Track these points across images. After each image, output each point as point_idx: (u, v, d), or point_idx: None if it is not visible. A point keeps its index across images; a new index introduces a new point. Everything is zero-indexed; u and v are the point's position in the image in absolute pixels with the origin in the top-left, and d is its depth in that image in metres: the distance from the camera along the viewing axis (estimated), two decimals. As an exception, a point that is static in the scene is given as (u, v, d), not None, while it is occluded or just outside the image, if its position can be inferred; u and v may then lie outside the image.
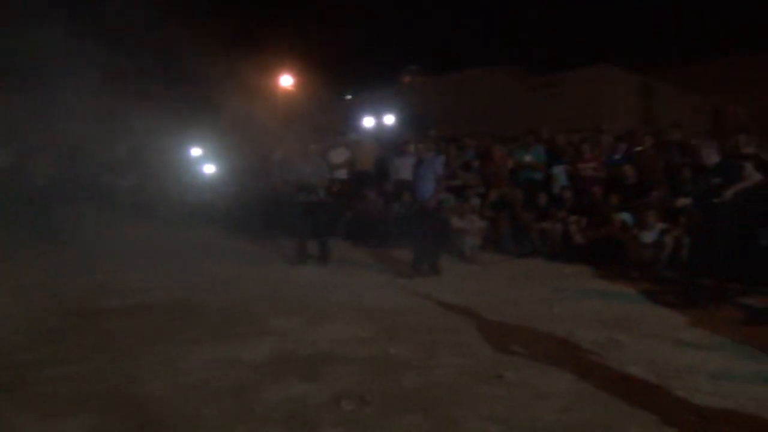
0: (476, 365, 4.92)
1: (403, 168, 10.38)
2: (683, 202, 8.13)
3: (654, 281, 7.88)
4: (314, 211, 9.39)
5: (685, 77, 25.94)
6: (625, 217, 8.88)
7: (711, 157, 7.04)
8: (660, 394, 4.38)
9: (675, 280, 7.71)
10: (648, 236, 8.36)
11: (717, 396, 4.32)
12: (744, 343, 5.42)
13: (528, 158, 10.77)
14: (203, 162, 16.54)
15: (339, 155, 12.26)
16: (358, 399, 4.24)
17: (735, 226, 6.77)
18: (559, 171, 10.43)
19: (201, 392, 4.42)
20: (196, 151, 17.75)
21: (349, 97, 30.25)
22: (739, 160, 7.27)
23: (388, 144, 13.01)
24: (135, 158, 16.58)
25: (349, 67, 27.28)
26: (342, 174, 12.12)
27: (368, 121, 23.35)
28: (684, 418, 3.97)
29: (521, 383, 4.51)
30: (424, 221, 8.64)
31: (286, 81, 26.62)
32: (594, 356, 5.17)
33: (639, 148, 10.15)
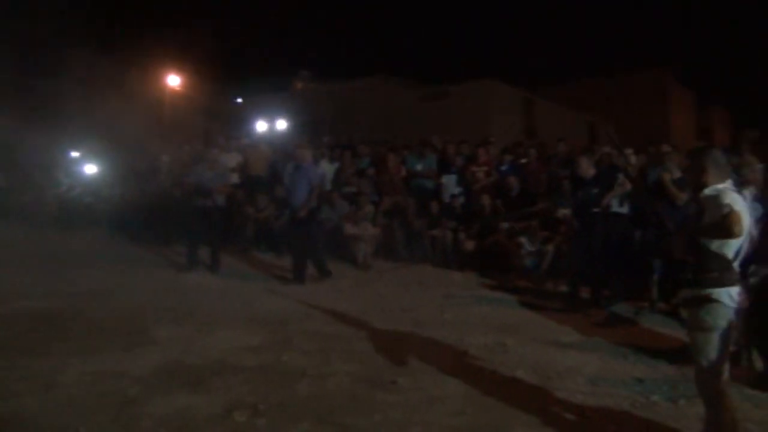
0: (370, 371, 4.94)
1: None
2: (563, 212, 8.61)
3: (537, 288, 8.26)
4: (209, 217, 9.08)
5: (564, 94, 27.57)
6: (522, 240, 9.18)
7: (589, 169, 7.50)
8: (543, 395, 4.59)
9: (556, 287, 8.12)
10: (531, 245, 8.77)
11: (595, 396, 4.58)
12: (619, 345, 5.79)
13: (420, 167, 11.00)
14: (84, 162, 15.53)
15: (231, 159, 11.95)
16: (250, 409, 4.13)
17: (610, 234, 7.24)
18: (450, 180, 10.72)
19: (80, 407, 4.13)
20: (77, 151, 16.69)
21: (240, 100, 29.63)
22: (613, 170, 7.78)
23: (281, 149, 12.85)
24: (2, 158, 15.31)
25: (240, 71, 26.73)
26: (234, 178, 11.82)
27: (261, 126, 22.98)
28: (565, 417, 4.18)
29: (415, 388, 4.58)
30: (297, 229, 8.57)
31: (174, 81, 25.73)
32: (483, 360, 5.33)
33: (524, 161, 10.63)
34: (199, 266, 9.15)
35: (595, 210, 7.12)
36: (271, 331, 6.07)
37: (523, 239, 8.92)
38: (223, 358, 5.20)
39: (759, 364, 4.76)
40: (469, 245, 9.51)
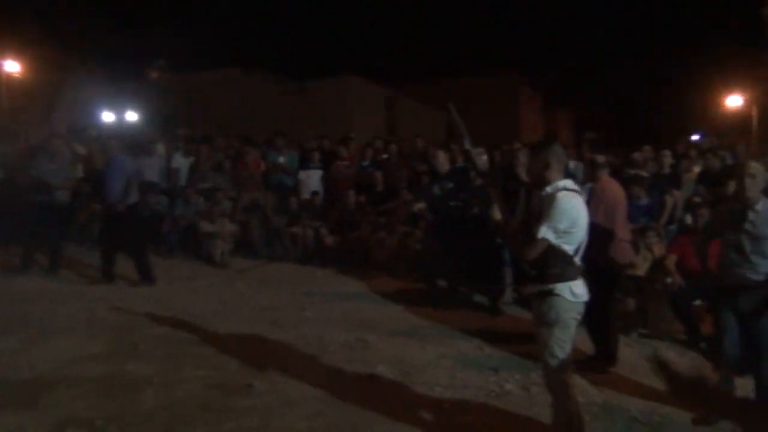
0: (224, 376, 4.67)
1: (148, 168, 9.63)
2: (419, 206, 8.72)
3: (398, 282, 8.29)
4: (48, 214, 8.22)
5: (424, 93, 28.30)
6: (383, 235, 9.21)
7: (445, 164, 7.61)
8: (404, 390, 4.56)
9: (417, 281, 8.17)
10: (391, 239, 8.81)
11: (453, 388, 4.63)
12: (475, 335, 5.90)
13: (281, 162, 10.72)
14: None
15: (74, 151, 10.97)
16: (86, 426, 3.73)
17: (464, 230, 7.35)
18: (310, 175, 10.54)
19: None
20: None
21: (86, 89, 27.50)
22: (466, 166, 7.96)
23: (131, 142, 12.01)
24: None
25: (87, 58, 24.78)
26: (78, 172, 10.86)
27: (108, 117, 21.46)
28: (424, 413, 4.16)
29: (271, 391, 4.37)
30: (113, 225, 8.02)
31: (12, 67, 23.43)
32: (343, 358, 5.22)
33: (385, 156, 10.69)
34: (35, 268, 8.30)
35: (452, 204, 7.21)
36: (114, 337, 5.58)
37: (384, 234, 8.94)
38: (57, 371, 4.70)
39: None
40: (331, 241, 9.40)
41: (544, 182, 3.39)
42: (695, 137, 15.36)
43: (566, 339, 3.33)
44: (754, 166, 4.05)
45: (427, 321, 6.49)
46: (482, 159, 8.18)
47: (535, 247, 3.25)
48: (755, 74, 16.92)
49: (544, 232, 3.23)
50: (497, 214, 3.48)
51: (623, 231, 5.30)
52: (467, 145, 3.68)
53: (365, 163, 10.63)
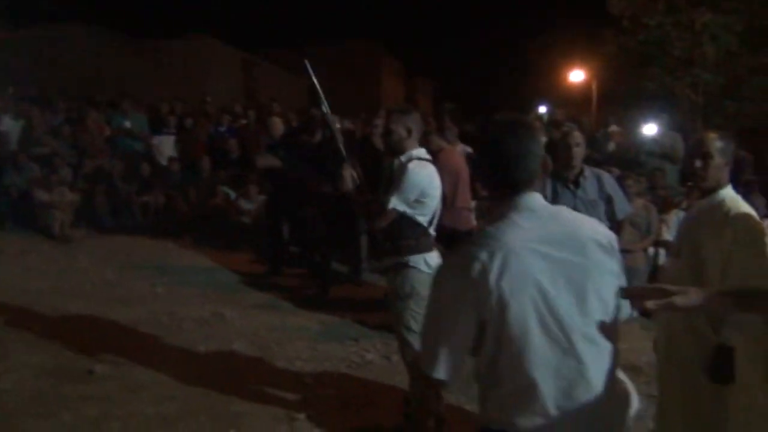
0: (61, 362, 4.23)
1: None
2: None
3: (255, 253, 7.99)
4: None
5: (283, 59, 27.60)
6: (228, 191, 8.84)
7: (279, 131, 7.37)
8: (263, 366, 4.39)
9: (270, 251, 7.88)
10: (248, 202, 8.50)
11: (315, 361, 4.52)
12: (333, 306, 5.81)
13: (127, 126, 9.94)
14: None
15: None
16: None
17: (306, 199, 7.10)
18: (163, 141, 9.89)
19: None
20: None
21: None
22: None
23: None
24: None
25: None
26: None
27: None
28: (285, 388, 4.02)
29: (115, 377, 4.03)
30: None
31: None
32: (198, 335, 4.94)
33: (243, 122, 10.26)
34: None
35: (290, 173, 6.94)
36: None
37: (241, 201, 8.59)
38: None
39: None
40: (185, 210, 8.89)
41: (400, 150, 3.30)
42: (542, 109, 16.23)
43: (422, 311, 3.28)
44: (578, 135, 4.22)
45: (286, 293, 6.32)
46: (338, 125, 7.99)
47: (385, 217, 3.18)
48: (596, 51, 18.08)
49: (395, 203, 3.16)
50: (348, 184, 3.35)
51: (465, 199, 5.42)
52: (325, 109, 3.49)
53: (222, 129, 10.14)
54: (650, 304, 1.42)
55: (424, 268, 3.19)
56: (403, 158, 3.28)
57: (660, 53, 13.46)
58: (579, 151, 4.14)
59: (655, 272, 6.24)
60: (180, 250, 8.03)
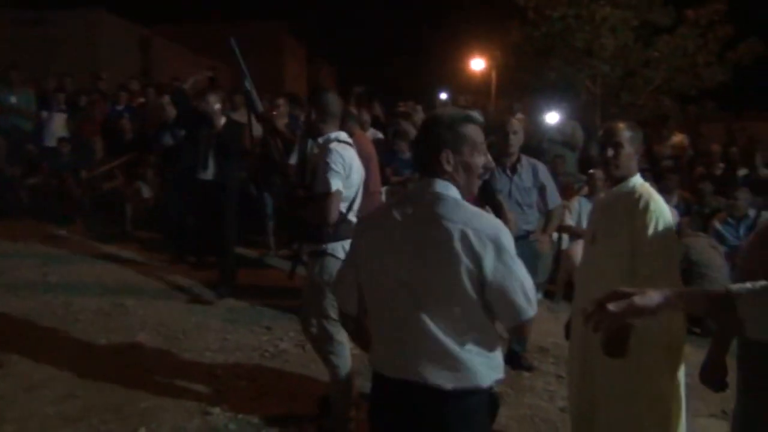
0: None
1: None
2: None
3: (155, 239, 7.61)
4: None
5: (181, 36, 26.46)
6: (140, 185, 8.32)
7: (172, 111, 7.07)
8: (171, 359, 4.20)
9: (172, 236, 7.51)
10: (147, 191, 8.10)
11: (225, 352, 4.37)
12: (243, 293, 5.62)
13: (13, 102, 9.17)
14: None
15: None
16: None
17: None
18: (53, 119, 9.19)
19: None
20: None
21: None
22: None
23: None
24: None
25: None
26: None
27: None
28: (195, 381, 3.85)
29: (8, 375, 3.71)
30: None
31: None
32: (98, 327, 4.66)
33: (141, 100, 9.74)
34: None
35: (188, 155, 6.64)
36: None
37: (140, 184, 8.16)
38: None
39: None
40: (79, 194, 8.34)
41: (318, 133, 3.22)
42: (443, 96, 16.49)
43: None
44: (516, 123, 4.32)
45: (191, 280, 6.07)
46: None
47: (333, 202, 3.04)
48: (499, 41, 18.53)
49: (336, 184, 3.05)
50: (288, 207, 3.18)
51: (376, 184, 5.42)
52: (248, 86, 3.32)
53: (119, 107, 9.57)
54: (612, 306, 1.41)
55: (342, 255, 3.07)
56: (321, 140, 3.19)
57: (562, 44, 14.00)
58: (516, 139, 4.25)
59: (558, 257, 6.48)
60: (73, 237, 7.52)
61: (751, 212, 6.54)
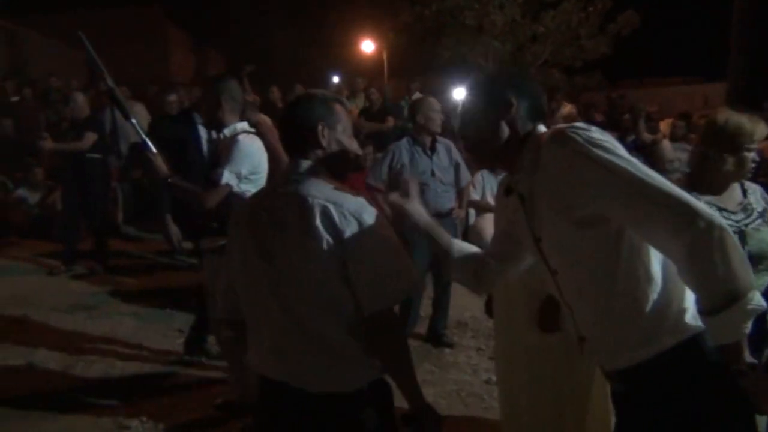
0: None
1: None
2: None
3: (50, 247, 7.09)
4: None
5: (54, 26, 24.78)
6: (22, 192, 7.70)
7: (84, 109, 6.60)
8: (80, 373, 3.94)
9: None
10: (34, 197, 7.55)
11: (137, 361, 4.16)
12: (151, 296, 5.37)
13: None
14: None
15: None
16: None
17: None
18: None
19: None
20: None
21: None
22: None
23: None
24: None
25: None
26: None
27: None
28: (110, 394, 3.63)
29: None
30: None
31: None
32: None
33: (16, 98, 9.07)
34: None
35: (90, 156, 6.26)
36: None
37: (22, 191, 7.59)
38: None
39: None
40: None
41: (218, 123, 3.07)
42: (335, 79, 16.39)
43: None
44: (435, 102, 4.36)
45: (95, 287, 5.73)
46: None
47: (217, 194, 2.90)
48: (389, 21, 18.61)
49: (227, 178, 2.91)
50: (163, 168, 2.97)
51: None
52: (110, 83, 3.06)
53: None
54: None
55: None
56: (227, 131, 3.05)
57: (453, 23, 14.24)
58: (440, 117, 4.28)
59: (466, 233, 6.60)
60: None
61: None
